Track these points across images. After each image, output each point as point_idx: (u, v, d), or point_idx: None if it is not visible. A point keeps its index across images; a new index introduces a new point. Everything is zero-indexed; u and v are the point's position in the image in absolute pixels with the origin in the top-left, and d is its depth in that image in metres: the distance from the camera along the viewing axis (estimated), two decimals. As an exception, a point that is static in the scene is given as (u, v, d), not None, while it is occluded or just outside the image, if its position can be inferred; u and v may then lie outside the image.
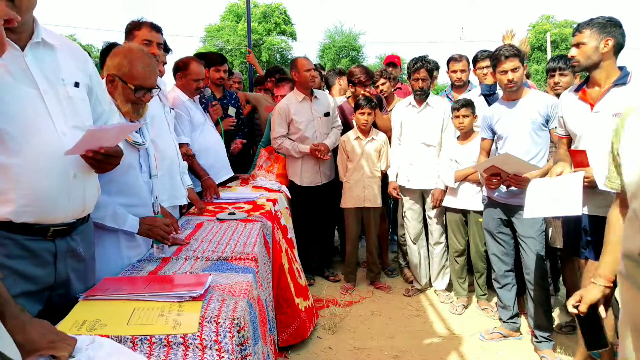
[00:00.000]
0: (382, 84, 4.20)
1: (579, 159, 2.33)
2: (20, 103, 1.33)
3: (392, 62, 4.93)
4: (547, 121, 2.79)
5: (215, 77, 4.15)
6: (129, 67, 1.87)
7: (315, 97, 4.04)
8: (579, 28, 2.36)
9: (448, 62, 4.23)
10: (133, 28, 2.46)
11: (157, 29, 2.46)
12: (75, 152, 1.45)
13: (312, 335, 3.13)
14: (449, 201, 3.56)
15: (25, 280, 1.37)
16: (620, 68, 2.34)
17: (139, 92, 1.89)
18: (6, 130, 1.31)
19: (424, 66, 3.60)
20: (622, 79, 2.29)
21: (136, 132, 1.98)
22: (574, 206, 2.20)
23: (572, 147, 2.48)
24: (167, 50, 2.89)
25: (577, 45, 2.35)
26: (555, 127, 2.68)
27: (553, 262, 3.40)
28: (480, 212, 3.34)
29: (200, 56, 4.30)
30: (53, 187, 1.40)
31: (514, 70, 2.77)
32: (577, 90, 2.46)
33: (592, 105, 2.36)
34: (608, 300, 1.65)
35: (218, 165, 3.40)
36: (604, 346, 1.59)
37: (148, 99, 1.94)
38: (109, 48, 3.40)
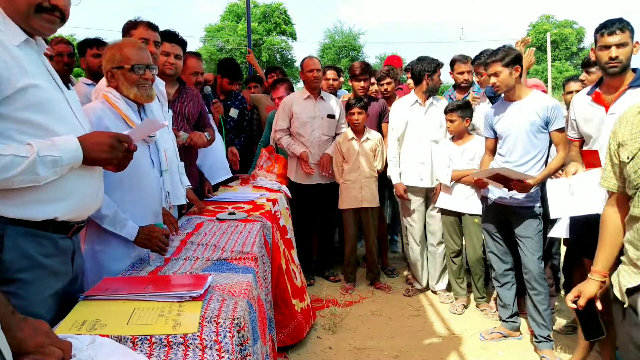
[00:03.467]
0: (388, 84, 4.21)
1: (590, 160, 2.34)
2: (60, 106, 1.37)
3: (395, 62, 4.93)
4: (546, 124, 2.77)
5: (226, 87, 4.20)
6: (119, 53, 1.91)
7: (322, 97, 4.05)
8: (620, 27, 2.26)
9: (453, 64, 4.12)
10: (130, 27, 2.46)
11: (153, 28, 2.47)
12: None
13: (312, 335, 3.13)
14: (443, 202, 3.55)
15: (57, 278, 1.40)
16: (634, 70, 2.33)
17: (137, 69, 1.90)
18: (58, 132, 1.33)
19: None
20: (637, 80, 2.29)
21: None
22: (599, 204, 2.18)
23: (585, 148, 2.48)
24: (182, 43, 2.89)
25: (619, 45, 2.26)
26: (565, 129, 2.69)
27: (555, 263, 3.39)
28: (475, 215, 3.35)
29: (213, 61, 4.35)
30: (92, 186, 1.48)
31: (495, 74, 2.81)
32: (589, 93, 2.45)
33: (607, 107, 2.35)
34: (605, 295, 1.72)
35: (216, 165, 3.39)
36: (601, 335, 1.72)
37: (149, 75, 1.95)
38: (84, 42, 3.45)
